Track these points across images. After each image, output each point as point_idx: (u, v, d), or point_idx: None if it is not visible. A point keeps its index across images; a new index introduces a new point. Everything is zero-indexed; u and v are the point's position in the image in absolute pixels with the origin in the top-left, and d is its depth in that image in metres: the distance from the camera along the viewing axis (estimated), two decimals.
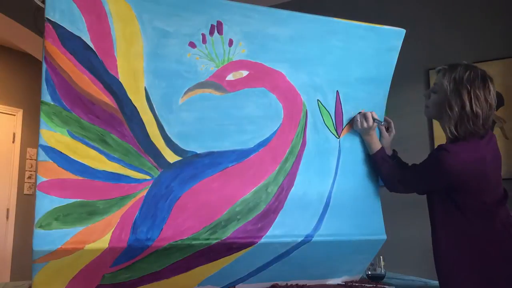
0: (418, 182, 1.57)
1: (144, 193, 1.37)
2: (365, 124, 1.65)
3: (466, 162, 1.41)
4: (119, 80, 1.36)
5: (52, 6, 1.29)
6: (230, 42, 1.50)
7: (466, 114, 1.41)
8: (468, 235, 1.43)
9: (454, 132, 1.44)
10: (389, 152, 1.74)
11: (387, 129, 1.76)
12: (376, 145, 1.69)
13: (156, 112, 1.40)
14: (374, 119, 1.66)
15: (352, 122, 1.70)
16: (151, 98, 1.40)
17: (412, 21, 3.06)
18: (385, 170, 1.65)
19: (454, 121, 1.43)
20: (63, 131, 1.30)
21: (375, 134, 1.70)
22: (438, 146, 1.48)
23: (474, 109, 1.41)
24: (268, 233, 1.51)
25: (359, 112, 1.69)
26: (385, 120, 1.76)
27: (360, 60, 1.69)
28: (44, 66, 1.29)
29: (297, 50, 1.59)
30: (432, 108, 1.53)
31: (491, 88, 1.44)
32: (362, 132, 1.69)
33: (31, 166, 4.89)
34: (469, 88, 1.42)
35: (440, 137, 2.92)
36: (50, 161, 1.28)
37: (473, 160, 1.42)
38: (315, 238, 1.57)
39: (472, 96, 1.41)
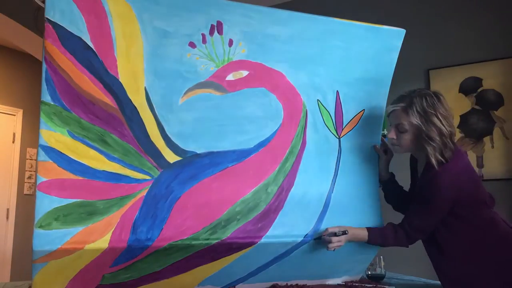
0: (429, 220, 1.51)
1: (144, 193, 1.37)
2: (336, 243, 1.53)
3: (460, 173, 1.47)
4: (119, 80, 1.36)
5: (52, 6, 1.29)
6: (230, 42, 1.50)
7: (445, 137, 1.46)
8: (478, 243, 1.48)
9: (441, 158, 1.46)
10: (386, 175, 1.72)
11: (385, 151, 1.72)
12: (363, 233, 1.58)
13: (156, 112, 1.40)
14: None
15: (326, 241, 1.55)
16: (151, 98, 1.40)
17: (412, 21, 3.06)
18: (390, 239, 1.57)
19: (439, 148, 1.46)
20: (63, 131, 1.30)
21: (353, 228, 1.58)
22: (429, 171, 1.49)
23: (448, 130, 1.47)
24: (268, 233, 1.51)
25: (324, 235, 1.55)
26: (382, 142, 1.73)
27: (360, 60, 1.69)
28: (44, 66, 1.29)
29: (297, 50, 1.59)
30: (407, 146, 1.55)
31: (445, 101, 1.50)
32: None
33: (31, 166, 4.89)
34: (435, 112, 1.46)
35: None
36: (50, 161, 1.28)
37: (465, 169, 1.49)
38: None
39: (441, 118, 1.46)
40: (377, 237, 1.59)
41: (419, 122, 1.48)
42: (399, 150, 1.60)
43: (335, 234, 1.53)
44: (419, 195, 1.55)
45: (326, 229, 1.56)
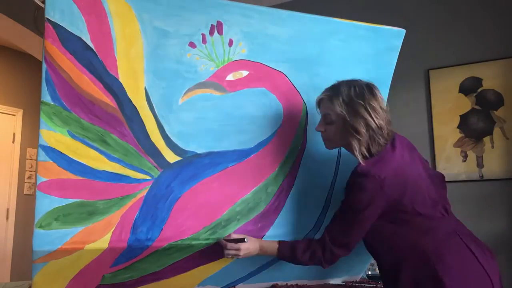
0: (353, 227, 1.35)
1: (144, 193, 1.37)
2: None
3: (386, 177, 1.30)
4: (119, 80, 1.36)
5: (52, 6, 1.29)
6: (230, 42, 1.50)
7: (373, 131, 1.33)
8: (408, 247, 1.31)
9: (367, 154, 1.34)
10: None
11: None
12: (272, 245, 1.43)
13: (156, 112, 1.40)
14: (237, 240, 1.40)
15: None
16: (151, 98, 1.40)
17: (412, 21, 3.06)
18: (302, 258, 1.40)
19: (366, 142, 1.34)
20: (63, 131, 1.30)
21: (262, 241, 1.45)
22: (351, 173, 1.36)
23: (378, 123, 1.33)
24: (268, 233, 1.51)
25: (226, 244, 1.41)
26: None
27: (360, 60, 1.69)
28: (44, 66, 1.29)
29: (297, 50, 1.59)
30: (335, 139, 1.43)
31: (379, 95, 1.38)
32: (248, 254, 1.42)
33: (31, 166, 4.89)
34: (363, 102, 1.34)
35: (441, 137, 2.93)
36: (50, 161, 1.28)
37: (393, 172, 1.31)
38: (315, 238, 1.57)
39: (370, 110, 1.33)
40: (287, 254, 1.42)
41: (344, 112, 1.35)
42: (328, 145, 1.47)
43: (235, 241, 1.39)
44: (342, 202, 1.39)
45: (229, 234, 1.42)
